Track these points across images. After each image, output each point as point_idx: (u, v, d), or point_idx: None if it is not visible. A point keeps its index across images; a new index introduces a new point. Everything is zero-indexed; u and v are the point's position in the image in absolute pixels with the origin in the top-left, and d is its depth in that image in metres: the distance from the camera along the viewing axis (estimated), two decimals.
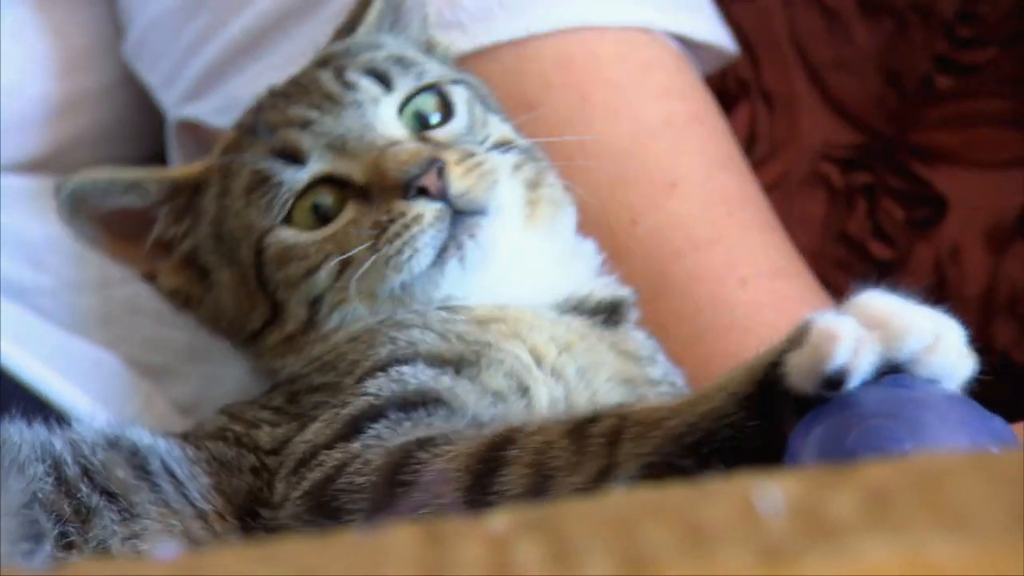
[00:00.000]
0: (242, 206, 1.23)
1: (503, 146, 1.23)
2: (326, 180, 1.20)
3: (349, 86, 1.23)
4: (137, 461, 1.14)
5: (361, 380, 1.16)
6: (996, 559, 0.67)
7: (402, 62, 1.26)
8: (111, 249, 1.28)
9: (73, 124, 1.55)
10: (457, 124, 1.23)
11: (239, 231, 1.24)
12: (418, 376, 1.15)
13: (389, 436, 1.10)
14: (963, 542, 0.68)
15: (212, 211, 1.25)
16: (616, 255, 1.29)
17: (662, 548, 0.68)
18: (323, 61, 1.28)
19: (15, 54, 1.51)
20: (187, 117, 1.49)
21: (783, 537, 0.70)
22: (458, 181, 1.17)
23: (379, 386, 1.14)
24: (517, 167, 1.23)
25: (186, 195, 1.26)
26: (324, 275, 1.20)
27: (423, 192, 1.16)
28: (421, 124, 1.23)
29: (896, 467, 0.73)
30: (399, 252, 1.17)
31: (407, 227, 1.16)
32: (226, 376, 1.53)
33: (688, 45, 1.44)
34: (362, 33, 1.31)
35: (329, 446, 1.12)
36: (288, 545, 0.76)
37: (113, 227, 1.27)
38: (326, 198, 1.20)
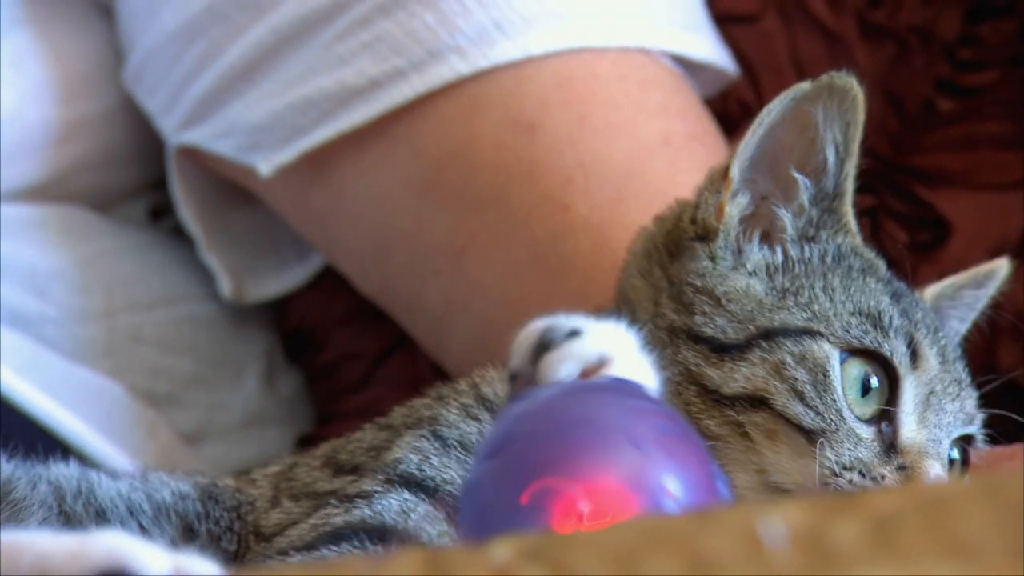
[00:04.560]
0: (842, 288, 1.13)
1: None
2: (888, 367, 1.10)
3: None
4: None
5: None
6: None
7: None
8: None
9: (74, 150, 1.55)
10: None
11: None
12: None
13: None
14: (967, 572, 0.68)
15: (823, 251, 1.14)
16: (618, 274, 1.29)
17: None
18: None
19: (15, 80, 1.51)
20: (186, 142, 1.49)
21: (788, 567, 0.69)
22: None
23: None
24: None
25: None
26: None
27: None
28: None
29: (901, 494, 0.73)
30: None
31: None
32: (231, 404, 1.54)
33: (688, 66, 1.44)
34: None
35: None
36: (291, 571, 0.75)
37: None
38: (878, 380, 1.10)
